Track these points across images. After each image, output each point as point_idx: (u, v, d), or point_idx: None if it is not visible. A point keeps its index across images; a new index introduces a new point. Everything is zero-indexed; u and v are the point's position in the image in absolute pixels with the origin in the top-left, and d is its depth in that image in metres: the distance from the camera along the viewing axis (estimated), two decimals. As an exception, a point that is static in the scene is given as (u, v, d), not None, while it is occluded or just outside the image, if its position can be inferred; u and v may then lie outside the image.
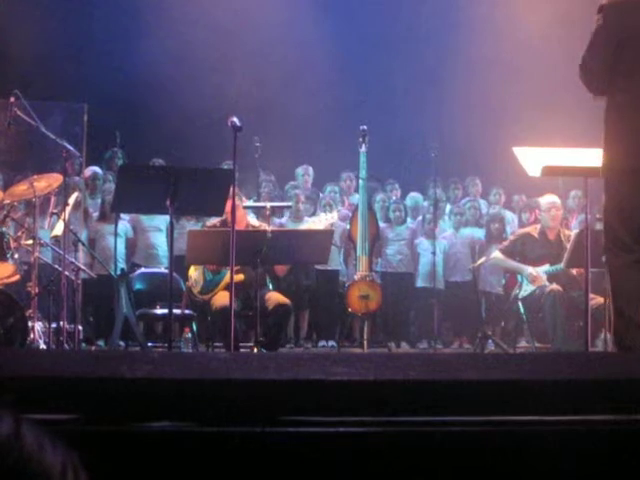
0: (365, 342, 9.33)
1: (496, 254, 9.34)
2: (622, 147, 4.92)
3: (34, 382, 2.68)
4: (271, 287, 8.66)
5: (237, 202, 7.99)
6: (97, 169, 10.87)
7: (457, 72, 12.33)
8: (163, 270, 9.43)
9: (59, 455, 1.20)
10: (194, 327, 8.67)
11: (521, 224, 11.41)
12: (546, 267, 8.91)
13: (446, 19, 12.87)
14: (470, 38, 12.16)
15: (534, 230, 9.26)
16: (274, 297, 8.14)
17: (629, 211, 4.91)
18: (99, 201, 10.60)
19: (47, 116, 8.63)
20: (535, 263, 8.95)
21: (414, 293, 11.38)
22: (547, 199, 9.29)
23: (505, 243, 9.46)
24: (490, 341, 9.39)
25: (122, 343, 8.93)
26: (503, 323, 10.76)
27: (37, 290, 7.74)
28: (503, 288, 10.50)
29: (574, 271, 8.76)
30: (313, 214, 10.37)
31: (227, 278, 7.43)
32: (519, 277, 9.18)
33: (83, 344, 8.98)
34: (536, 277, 8.87)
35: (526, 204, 11.79)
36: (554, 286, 8.77)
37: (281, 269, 8.77)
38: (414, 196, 11.86)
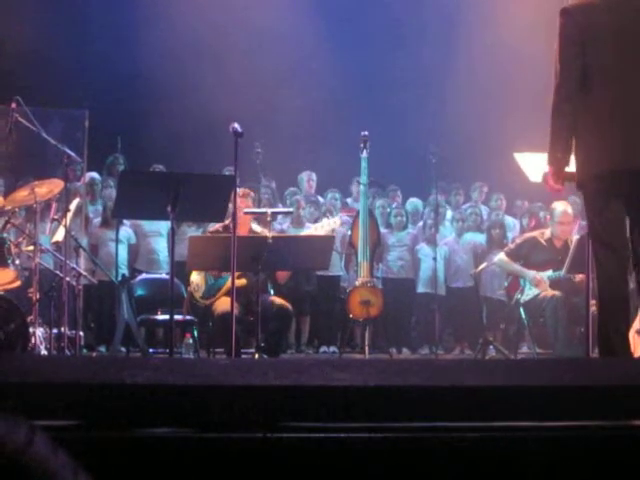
0: (366, 348, 9.32)
1: (501, 256, 9.34)
2: (593, 153, 4.93)
3: (35, 388, 2.68)
4: (272, 292, 8.65)
5: (245, 203, 8.02)
6: (95, 175, 10.89)
7: (459, 78, 12.34)
8: (164, 276, 9.44)
9: (69, 463, 1.24)
10: (195, 333, 8.66)
11: (522, 229, 11.42)
12: (549, 273, 8.91)
13: (447, 24, 12.87)
14: (472, 43, 12.17)
15: (541, 235, 9.26)
16: (275, 301, 8.14)
17: (612, 215, 4.91)
18: (99, 207, 10.62)
19: (48, 122, 8.65)
20: (538, 268, 8.95)
21: (415, 299, 11.39)
22: (560, 209, 9.22)
23: (511, 246, 9.46)
24: (491, 347, 9.39)
25: (123, 349, 8.94)
26: (503, 326, 10.75)
27: (38, 296, 7.74)
28: (505, 293, 10.50)
29: (576, 277, 8.75)
30: (316, 220, 10.37)
31: (228, 283, 7.42)
32: (521, 281, 9.18)
33: (84, 350, 8.98)
34: (540, 281, 8.87)
35: (527, 210, 11.80)
36: (556, 292, 8.77)
37: (282, 276, 8.77)
38: (413, 201, 11.87)
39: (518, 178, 6.89)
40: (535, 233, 9.56)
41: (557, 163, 5.05)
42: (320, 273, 10.78)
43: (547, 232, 9.32)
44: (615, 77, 4.90)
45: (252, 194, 8.70)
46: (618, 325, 4.92)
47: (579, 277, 8.65)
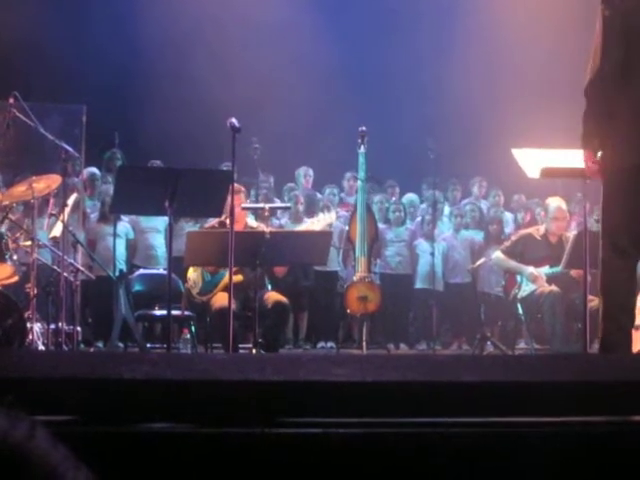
0: (364, 343, 9.32)
1: (497, 254, 9.33)
2: (623, 145, 4.88)
3: (33, 383, 2.68)
4: (270, 288, 8.66)
5: (238, 199, 8.01)
6: (95, 170, 10.89)
7: (456, 72, 12.34)
8: (162, 271, 9.42)
9: (70, 457, 1.25)
10: (193, 328, 8.66)
11: (517, 224, 11.40)
12: (546, 269, 8.91)
13: (446, 20, 12.87)
14: (469, 38, 12.16)
15: (536, 231, 9.25)
16: (272, 296, 8.14)
17: (629, 212, 4.88)
18: (97, 202, 10.62)
19: (46, 117, 8.63)
20: (535, 264, 8.94)
21: (413, 294, 11.39)
22: (555, 205, 9.22)
23: (507, 243, 9.44)
24: (489, 342, 9.39)
25: (121, 344, 8.93)
26: (500, 322, 10.76)
27: (36, 291, 7.73)
28: (503, 289, 10.50)
29: (573, 273, 8.75)
30: (312, 215, 10.37)
31: (226, 279, 7.43)
32: (518, 277, 9.18)
33: (82, 345, 8.98)
34: (537, 276, 8.87)
35: (523, 204, 11.79)
36: (553, 287, 8.77)
37: (280, 270, 8.77)
38: (410, 197, 11.86)
39: (516, 173, 6.88)
40: (530, 229, 9.56)
41: (592, 146, 4.96)
42: (318, 268, 10.77)
43: (542, 228, 9.32)
44: None
45: (243, 189, 8.69)
46: (622, 323, 4.90)
47: (575, 272, 8.66)
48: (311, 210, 10.81)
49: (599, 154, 4.96)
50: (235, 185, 8.42)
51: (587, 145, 4.98)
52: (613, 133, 4.88)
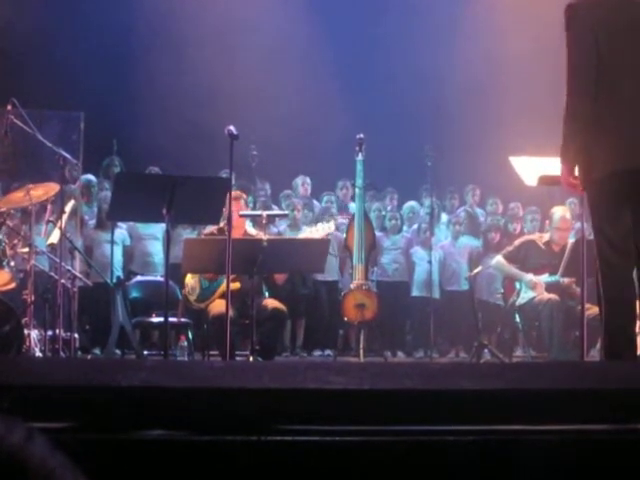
0: (361, 351, 9.31)
1: (498, 259, 9.32)
2: (604, 153, 4.85)
3: (30, 390, 2.68)
4: (267, 295, 8.66)
5: (238, 205, 8.01)
6: (91, 177, 10.91)
7: (454, 80, 12.36)
8: (159, 278, 9.42)
9: (67, 463, 1.26)
10: (190, 335, 8.66)
11: (507, 234, 11.36)
12: (545, 277, 8.92)
13: (444, 28, 12.89)
14: (468, 46, 12.18)
15: (540, 239, 9.26)
16: (270, 303, 8.15)
17: (618, 219, 4.87)
18: (95, 209, 10.62)
19: (44, 124, 8.65)
20: (535, 271, 8.95)
21: (410, 302, 11.39)
22: (559, 214, 9.22)
23: (509, 248, 9.43)
24: (486, 350, 9.38)
25: (118, 351, 8.93)
26: (499, 331, 10.76)
27: (33, 298, 7.73)
28: (501, 296, 10.50)
29: (570, 281, 8.75)
30: (312, 223, 10.37)
31: (223, 286, 7.43)
32: (517, 284, 9.18)
33: (79, 352, 8.96)
34: (536, 283, 8.87)
35: (513, 215, 11.76)
36: (551, 295, 8.77)
37: (281, 277, 8.78)
38: (411, 204, 11.88)
39: (513, 181, 6.89)
40: (534, 236, 9.58)
41: (570, 162, 4.96)
42: (319, 278, 10.80)
43: (545, 236, 9.33)
44: (627, 75, 4.83)
45: (244, 196, 8.69)
46: (626, 327, 4.89)
47: (569, 280, 8.67)
48: (310, 218, 10.82)
49: (576, 168, 4.97)
50: (236, 191, 8.45)
51: (565, 159, 4.99)
52: (595, 141, 4.86)
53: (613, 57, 4.79)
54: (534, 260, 9.05)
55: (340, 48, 13.22)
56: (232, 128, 6.67)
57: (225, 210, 7.20)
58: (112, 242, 9.73)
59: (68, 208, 8.53)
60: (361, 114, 12.34)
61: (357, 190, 9.96)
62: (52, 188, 7.90)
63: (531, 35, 11.69)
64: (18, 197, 7.91)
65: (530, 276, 8.93)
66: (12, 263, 7.80)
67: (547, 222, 10.18)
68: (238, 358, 8.01)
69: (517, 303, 9.04)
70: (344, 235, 10.15)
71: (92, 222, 10.52)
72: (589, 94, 4.79)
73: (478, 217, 11.74)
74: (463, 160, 12.09)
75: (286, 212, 10.57)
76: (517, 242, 9.55)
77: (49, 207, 8.67)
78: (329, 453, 2.65)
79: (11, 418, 1.25)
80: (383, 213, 11.48)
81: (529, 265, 9.02)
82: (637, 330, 6.48)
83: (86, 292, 9.38)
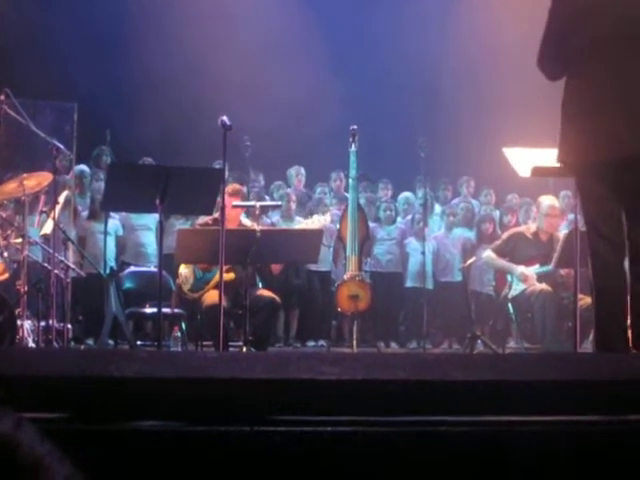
0: (354, 342, 9.31)
1: (488, 253, 9.32)
2: (587, 140, 4.83)
3: (23, 380, 2.68)
4: (261, 286, 8.66)
5: (233, 198, 8.00)
6: (85, 167, 10.90)
7: (448, 71, 12.35)
8: (152, 269, 9.42)
9: (55, 450, 1.27)
10: (183, 326, 8.66)
11: (502, 226, 11.37)
12: (536, 267, 8.92)
13: (436, 19, 12.88)
14: (461, 40, 12.17)
15: (527, 230, 9.26)
16: (264, 294, 8.15)
17: (606, 207, 4.86)
18: (88, 200, 10.61)
19: (37, 115, 8.62)
20: (525, 263, 8.95)
21: (403, 293, 11.40)
22: (547, 202, 9.23)
23: (497, 242, 9.43)
24: (479, 341, 9.39)
25: (111, 342, 8.92)
26: (492, 322, 10.77)
27: (26, 288, 7.71)
28: (494, 288, 10.51)
29: (563, 272, 8.76)
30: (306, 215, 10.37)
31: (217, 276, 7.42)
32: (509, 277, 9.19)
33: (72, 343, 8.96)
34: (528, 276, 8.88)
35: (509, 207, 11.77)
36: (544, 286, 8.77)
37: (277, 267, 8.78)
38: (406, 194, 11.88)
39: (507, 173, 6.88)
40: (521, 228, 9.57)
41: None
42: (313, 269, 10.81)
43: (533, 226, 9.33)
44: (607, 58, 4.81)
45: (243, 191, 8.69)
46: (617, 317, 4.87)
47: (565, 271, 8.67)
48: (304, 209, 10.83)
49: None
50: (235, 186, 8.46)
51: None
52: (574, 129, 4.85)
53: (596, 37, 4.80)
54: (523, 252, 9.04)
55: (333, 39, 13.20)
56: (225, 119, 6.66)
57: (219, 201, 7.19)
58: (105, 233, 9.72)
59: (62, 198, 8.52)
60: (354, 105, 12.33)
61: (350, 181, 9.95)
62: (45, 178, 7.88)
63: (526, 21, 11.67)
64: (11, 188, 7.90)
65: (521, 269, 8.92)
66: (5, 254, 7.79)
67: (535, 211, 10.14)
68: (231, 349, 8.02)
69: (509, 295, 9.04)
70: (337, 226, 10.15)
71: (85, 213, 10.51)
72: (558, 59, 4.91)
73: (475, 209, 11.75)
74: (457, 151, 12.10)
75: (279, 203, 10.58)
76: (505, 235, 9.53)
77: (42, 197, 8.66)
78: (322, 443, 2.65)
79: (0, 407, 1.26)
80: (377, 204, 11.49)
81: (518, 257, 9.02)
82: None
83: (79, 283, 9.37)
